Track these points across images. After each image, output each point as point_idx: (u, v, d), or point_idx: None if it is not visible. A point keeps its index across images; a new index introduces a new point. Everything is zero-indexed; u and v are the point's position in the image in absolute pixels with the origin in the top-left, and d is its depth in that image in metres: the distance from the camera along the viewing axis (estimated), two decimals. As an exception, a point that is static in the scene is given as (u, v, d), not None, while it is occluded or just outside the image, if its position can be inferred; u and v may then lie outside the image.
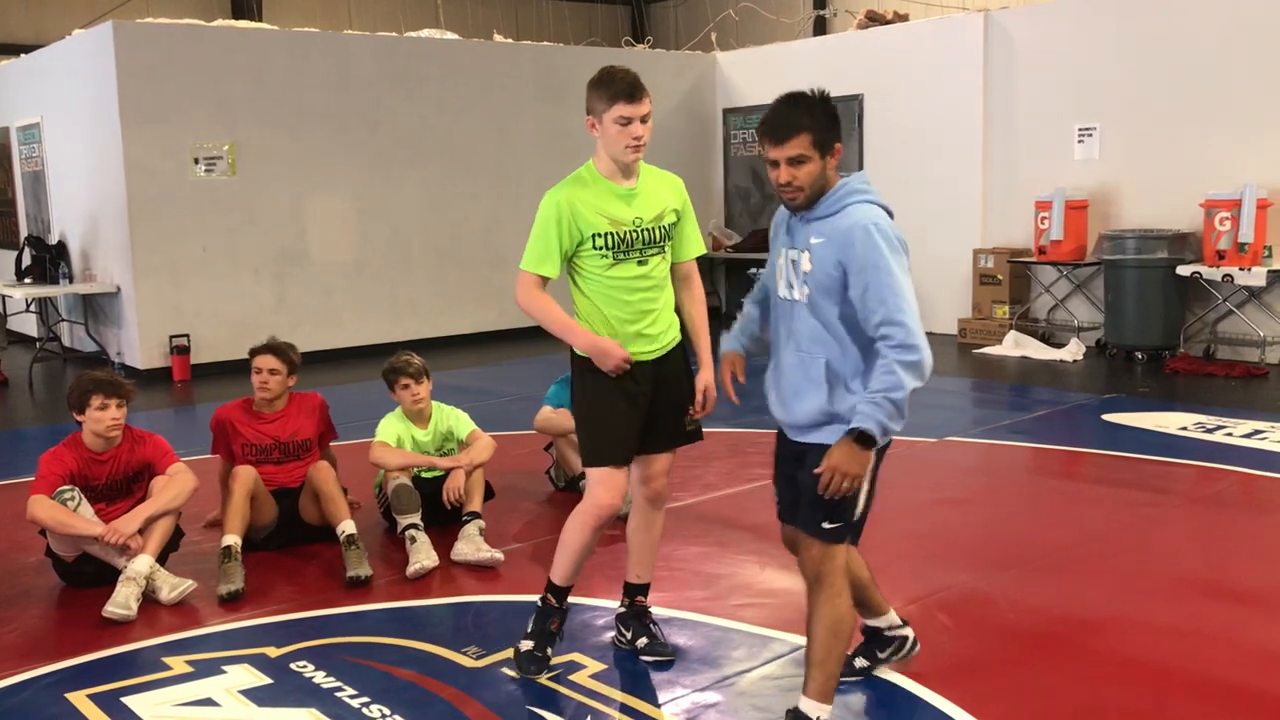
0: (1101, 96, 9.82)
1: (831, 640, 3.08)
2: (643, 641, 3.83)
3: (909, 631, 3.66)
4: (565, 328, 3.50)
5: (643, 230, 3.51)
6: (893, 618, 3.61)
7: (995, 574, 4.58)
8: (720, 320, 12.45)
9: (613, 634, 3.96)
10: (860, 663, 3.63)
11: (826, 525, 3.03)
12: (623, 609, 3.91)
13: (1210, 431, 6.83)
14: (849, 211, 3.03)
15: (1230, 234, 8.70)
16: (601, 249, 3.46)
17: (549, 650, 3.69)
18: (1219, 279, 8.83)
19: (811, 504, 3.04)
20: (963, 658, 3.81)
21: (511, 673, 3.70)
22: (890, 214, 3.12)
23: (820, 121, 3.01)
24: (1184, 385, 8.43)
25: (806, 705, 3.12)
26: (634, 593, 3.88)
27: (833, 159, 3.06)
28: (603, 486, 3.55)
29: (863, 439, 2.91)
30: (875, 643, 3.63)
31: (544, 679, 3.66)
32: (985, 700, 3.46)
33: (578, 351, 3.55)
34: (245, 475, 4.80)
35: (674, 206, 3.63)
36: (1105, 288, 9.61)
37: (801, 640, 3.89)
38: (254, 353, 5.12)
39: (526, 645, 3.69)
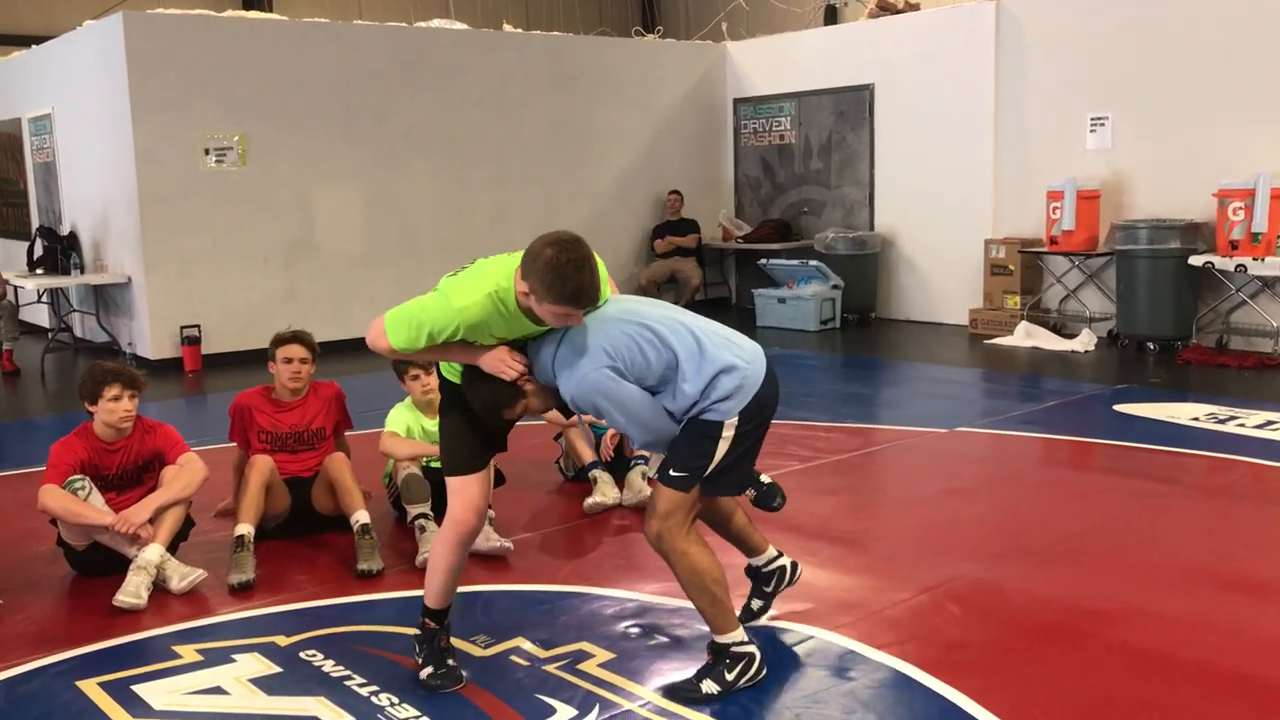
0: (1114, 85, 9.76)
1: (699, 590, 3.42)
2: (757, 604, 3.99)
3: (786, 560, 3.96)
4: (466, 353, 3.37)
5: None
6: (770, 553, 3.92)
7: (1005, 564, 4.57)
8: (729, 311, 12.50)
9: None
10: (756, 604, 3.96)
11: (673, 473, 3.37)
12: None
13: (1222, 422, 6.80)
14: None
15: (1244, 224, 8.65)
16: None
17: (450, 660, 3.61)
18: (1232, 269, 8.78)
19: (664, 461, 3.42)
20: (972, 648, 3.80)
21: (524, 661, 3.71)
22: None
23: None
24: (1196, 376, 8.40)
25: (720, 639, 3.48)
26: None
27: None
28: (458, 501, 3.51)
29: None
30: (760, 581, 3.95)
31: (553, 668, 3.66)
32: (994, 690, 3.45)
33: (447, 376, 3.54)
34: (262, 465, 4.81)
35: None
36: (1117, 278, 9.57)
37: (813, 630, 3.92)
38: (280, 342, 5.10)
39: (428, 670, 3.57)
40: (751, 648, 3.52)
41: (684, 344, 3.30)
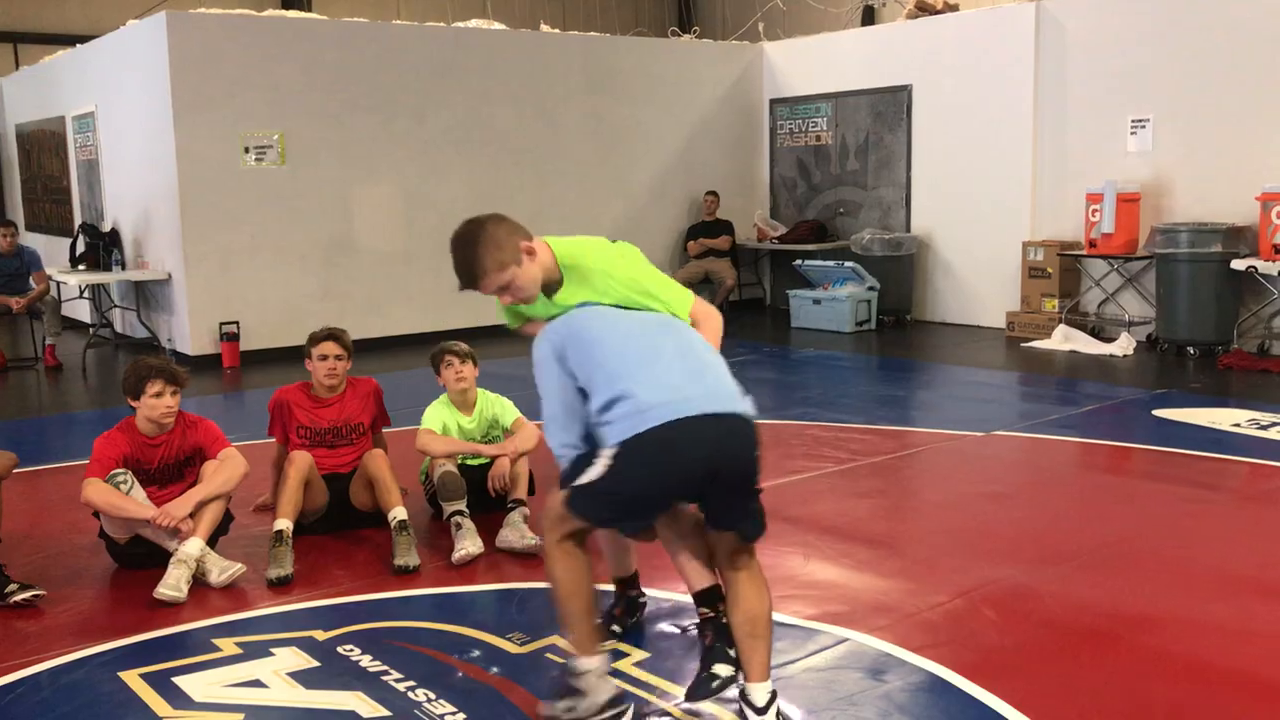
0: (1155, 87, 9.66)
1: (555, 598, 3.25)
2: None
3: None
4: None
5: None
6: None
7: (1042, 568, 4.54)
8: (764, 313, 12.48)
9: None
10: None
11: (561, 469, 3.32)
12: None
13: (1264, 428, 6.72)
14: None
15: (1287, 228, 8.55)
16: None
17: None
18: (1275, 274, 8.68)
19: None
20: (1009, 652, 3.78)
21: (559, 659, 3.72)
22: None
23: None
24: (1237, 381, 8.30)
25: (569, 661, 3.29)
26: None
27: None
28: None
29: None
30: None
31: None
32: (1031, 695, 3.43)
33: None
34: (301, 461, 4.86)
35: None
36: (1157, 282, 9.48)
37: (849, 633, 3.92)
38: (315, 340, 5.15)
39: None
40: (587, 682, 3.19)
41: (614, 357, 3.22)
